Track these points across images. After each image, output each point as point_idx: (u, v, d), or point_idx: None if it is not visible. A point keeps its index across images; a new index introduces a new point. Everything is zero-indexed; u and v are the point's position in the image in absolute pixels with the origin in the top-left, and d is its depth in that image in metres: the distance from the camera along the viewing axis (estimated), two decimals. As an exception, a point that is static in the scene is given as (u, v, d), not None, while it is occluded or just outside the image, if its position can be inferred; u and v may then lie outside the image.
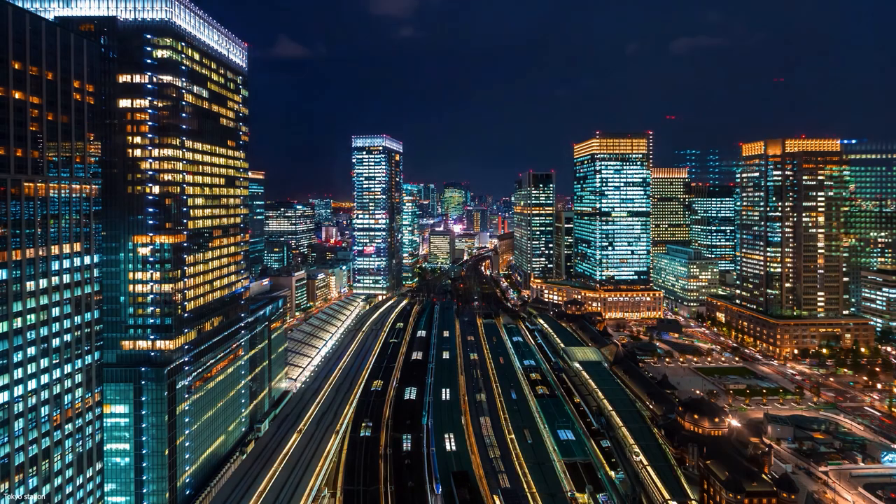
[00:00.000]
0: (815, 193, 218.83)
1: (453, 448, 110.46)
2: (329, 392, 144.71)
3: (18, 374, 71.76)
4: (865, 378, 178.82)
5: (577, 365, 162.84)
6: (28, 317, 73.47)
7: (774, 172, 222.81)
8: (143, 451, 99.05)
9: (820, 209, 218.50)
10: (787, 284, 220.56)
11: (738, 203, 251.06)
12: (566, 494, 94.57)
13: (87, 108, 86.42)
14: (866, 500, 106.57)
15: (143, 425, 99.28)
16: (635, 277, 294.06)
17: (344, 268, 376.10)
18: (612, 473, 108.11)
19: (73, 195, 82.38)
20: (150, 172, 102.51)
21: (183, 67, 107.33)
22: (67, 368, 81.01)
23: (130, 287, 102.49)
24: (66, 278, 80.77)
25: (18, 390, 71.62)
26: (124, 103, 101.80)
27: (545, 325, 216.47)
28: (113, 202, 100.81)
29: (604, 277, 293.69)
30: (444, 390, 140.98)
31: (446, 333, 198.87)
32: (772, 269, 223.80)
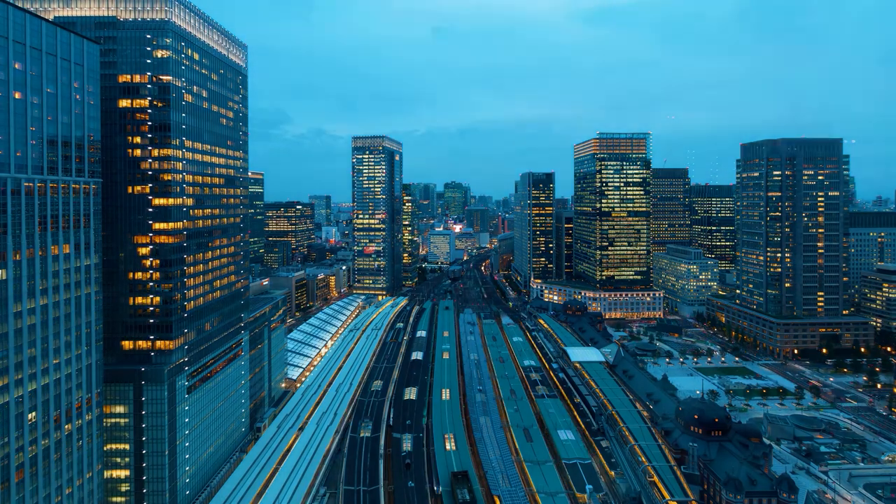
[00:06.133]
0: (815, 193, 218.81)
1: (453, 448, 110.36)
2: (329, 392, 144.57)
3: (18, 374, 71.75)
4: (865, 378, 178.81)
5: (577, 365, 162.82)
6: (28, 317, 73.46)
7: (774, 172, 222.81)
8: (143, 451, 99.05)
9: (820, 209, 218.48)
10: (787, 284, 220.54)
11: (738, 203, 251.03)
12: (566, 494, 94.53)
13: (87, 107, 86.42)
14: (866, 500, 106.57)
15: (143, 425, 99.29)
16: (635, 277, 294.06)
17: (344, 268, 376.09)
18: (612, 473, 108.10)
19: (73, 195, 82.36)
20: (150, 172, 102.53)
21: (183, 67, 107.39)
22: (67, 368, 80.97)
23: (130, 287, 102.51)
24: (66, 278, 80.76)
25: (18, 391, 71.61)
26: (124, 103, 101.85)
27: (545, 325, 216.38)
28: (113, 202, 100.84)
29: (604, 277, 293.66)
30: (444, 390, 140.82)
31: (446, 333, 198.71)
32: (772, 269, 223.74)
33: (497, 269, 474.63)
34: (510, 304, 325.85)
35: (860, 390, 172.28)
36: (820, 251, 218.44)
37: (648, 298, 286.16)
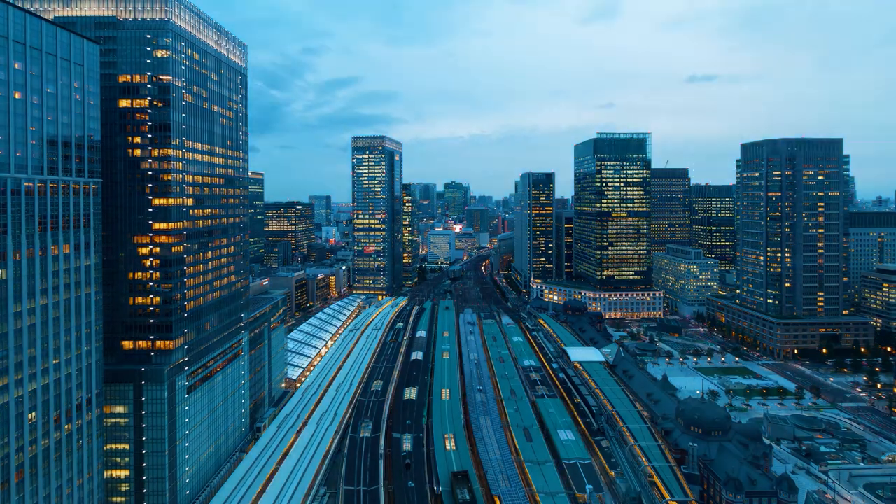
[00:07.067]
0: (815, 193, 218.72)
1: (453, 448, 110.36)
2: (329, 392, 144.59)
3: (18, 374, 71.74)
4: (865, 378, 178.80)
5: (577, 365, 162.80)
6: (28, 317, 73.44)
7: (774, 172, 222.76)
8: (143, 451, 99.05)
9: (820, 209, 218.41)
10: (787, 284, 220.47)
11: (738, 203, 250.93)
12: (566, 494, 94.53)
13: (87, 107, 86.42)
14: (866, 500, 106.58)
15: (143, 425, 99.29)
16: (635, 277, 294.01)
17: (344, 268, 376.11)
18: (612, 473, 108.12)
19: (73, 195, 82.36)
20: (150, 172, 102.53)
21: (183, 67, 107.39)
22: (67, 368, 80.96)
23: (130, 287, 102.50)
24: (66, 278, 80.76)
25: (18, 391, 71.60)
26: (124, 103, 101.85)
27: (545, 325, 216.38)
28: (113, 202, 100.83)
29: (604, 277, 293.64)
30: (444, 390, 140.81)
31: (446, 333, 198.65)
32: (772, 269, 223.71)
33: (497, 269, 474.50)
34: (510, 304, 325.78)
35: (860, 390, 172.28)
36: (820, 251, 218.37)
37: (648, 298, 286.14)
